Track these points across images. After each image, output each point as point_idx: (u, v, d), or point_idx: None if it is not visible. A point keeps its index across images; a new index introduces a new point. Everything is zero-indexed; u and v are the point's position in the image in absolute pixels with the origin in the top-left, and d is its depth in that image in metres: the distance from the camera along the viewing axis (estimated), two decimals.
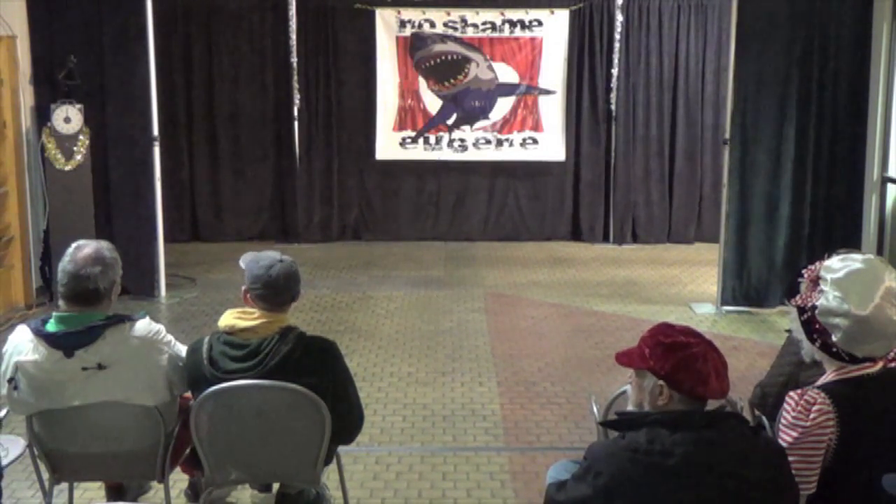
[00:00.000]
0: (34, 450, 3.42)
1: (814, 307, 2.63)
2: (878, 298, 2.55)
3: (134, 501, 3.87)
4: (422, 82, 9.91)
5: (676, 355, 2.43)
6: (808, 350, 2.71)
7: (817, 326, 2.63)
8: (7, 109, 7.03)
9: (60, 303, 3.32)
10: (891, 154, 6.81)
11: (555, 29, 9.78)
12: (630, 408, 2.55)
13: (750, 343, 6.54)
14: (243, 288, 3.42)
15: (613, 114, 9.86)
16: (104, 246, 3.36)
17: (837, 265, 2.65)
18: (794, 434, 2.55)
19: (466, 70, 9.87)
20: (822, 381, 2.68)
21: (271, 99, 9.94)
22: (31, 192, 7.28)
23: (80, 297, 3.25)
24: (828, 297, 2.60)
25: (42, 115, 7.20)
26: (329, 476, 3.84)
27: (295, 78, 9.72)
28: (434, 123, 9.96)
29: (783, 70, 6.95)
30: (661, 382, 2.44)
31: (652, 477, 2.31)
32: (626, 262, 9.24)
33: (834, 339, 2.59)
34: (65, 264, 3.27)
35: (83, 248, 3.31)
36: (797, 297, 2.72)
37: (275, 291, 3.35)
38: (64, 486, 3.67)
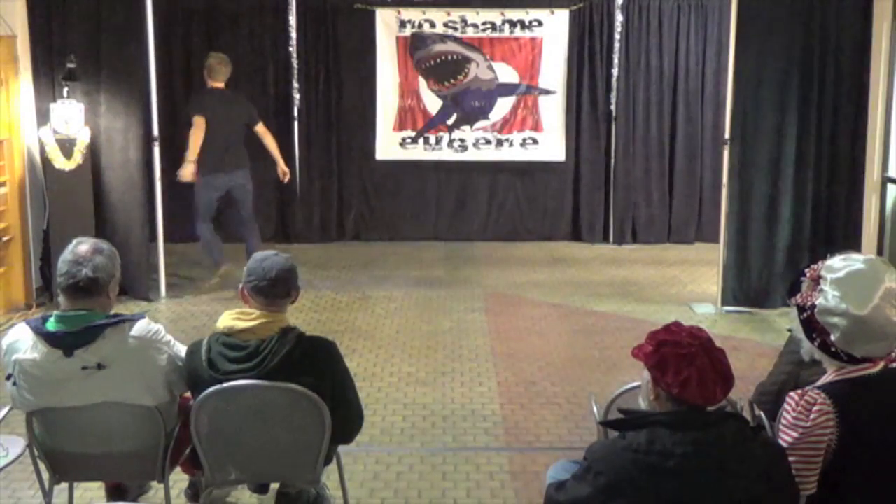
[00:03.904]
0: (34, 450, 3.43)
1: (813, 306, 2.63)
2: (877, 299, 2.55)
3: (134, 501, 3.88)
4: (422, 82, 9.90)
5: (661, 352, 2.43)
6: (808, 349, 2.71)
7: (816, 325, 2.63)
8: (7, 109, 7.02)
9: (60, 298, 3.34)
10: (891, 154, 6.81)
11: (555, 29, 9.77)
12: (641, 399, 2.56)
13: (750, 343, 6.53)
14: (240, 286, 3.42)
15: (613, 114, 9.84)
16: (103, 242, 3.42)
17: (838, 265, 2.65)
18: (795, 434, 2.55)
19: (466, 70, 9.86)
20: (822, 381, 2.68)
21: (271, 99, 9.92)
22: (31, 192, 7.27)
23: (78, 287, 3.25)
24: (827, 297, 2.60)
25: (42, 115, 7.19)
26: (329, 476, 3.85)
27: (295, 78, 9.71)
28: (434, 123, 9.95)
29: (783, 70, 6.94)
30: (650, 378, 2.46)
31: (652, 477, 2.31)
32: (626, 262, 9.23)
33: (832, 338, 2.59)
34: (64, 255, 3.32)
35: (83, 243, 3.36)
36: (797, 296, 2.72)
37: (269, 283, 3.34)
38: (64, 486, 3.66)
